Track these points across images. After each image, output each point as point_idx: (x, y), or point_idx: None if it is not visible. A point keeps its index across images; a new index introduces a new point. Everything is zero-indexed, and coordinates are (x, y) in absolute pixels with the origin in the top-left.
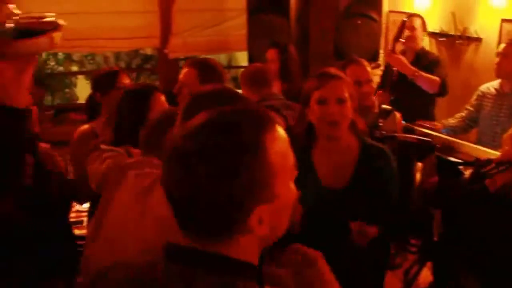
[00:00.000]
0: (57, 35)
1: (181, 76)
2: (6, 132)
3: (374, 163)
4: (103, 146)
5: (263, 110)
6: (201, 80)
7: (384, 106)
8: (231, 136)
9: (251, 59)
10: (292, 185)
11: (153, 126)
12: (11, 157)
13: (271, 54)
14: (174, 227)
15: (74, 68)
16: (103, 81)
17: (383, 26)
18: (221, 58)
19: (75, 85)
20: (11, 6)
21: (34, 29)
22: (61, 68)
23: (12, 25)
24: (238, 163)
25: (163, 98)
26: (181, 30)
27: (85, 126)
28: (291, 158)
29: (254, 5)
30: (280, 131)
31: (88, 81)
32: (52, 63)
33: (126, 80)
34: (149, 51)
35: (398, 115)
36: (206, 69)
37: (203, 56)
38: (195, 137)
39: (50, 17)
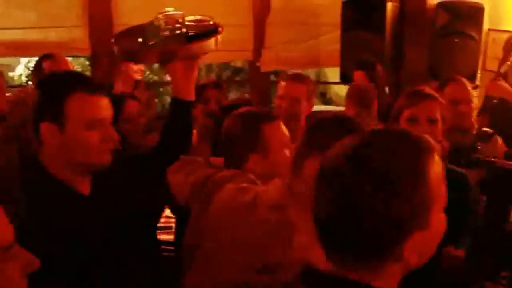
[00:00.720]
0: (218, 38)
1: (289, 90)
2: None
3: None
4: (181, 157)
5: (419, 135)
6: (308, 96)
7: (484, 129)
8: (394, 158)
9: (343, 76)
10: (443, 214)
11: None
12: None
13: (358, 76)
14: (278, 245)
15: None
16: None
17: (482, 45)
18: (309, 72)
19: (169, 94)
20: (171, 10)
21: (201, 32)
22: (155, 78)
23: (184, 30)
24: (400, 185)
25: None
26: (274, 44)
27: None
28: (444, 185)
29: (349, 21)
30: (437, 156)
31: None
32: (147, 72)
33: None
34: (239, 64)
35: (500, 139)
36: (311, 85)
37: (294, 70)
38: (354, 157)
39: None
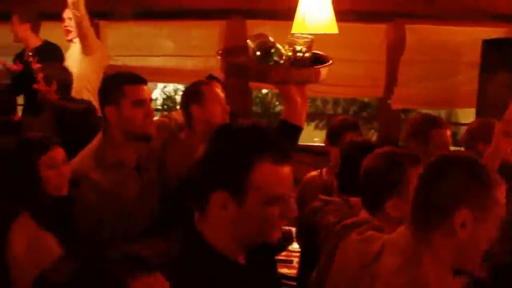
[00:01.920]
0: (324, 70)
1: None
2: None
3: None
4: (322, 197)
5: None
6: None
7: None
8: None
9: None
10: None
11: None
12: None
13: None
14: None
15: None
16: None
17: None
18: (439, 111)
19: None
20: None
21: (324, 59)
22: (280, 107)
23: (308, 54)
24: None
25: None
26: (407, 81)
27: (313, 173)
28: None
29: (488, 61)
30: None
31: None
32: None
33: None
34: (366, 98)
35: None
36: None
37: (425, 110)
38: None
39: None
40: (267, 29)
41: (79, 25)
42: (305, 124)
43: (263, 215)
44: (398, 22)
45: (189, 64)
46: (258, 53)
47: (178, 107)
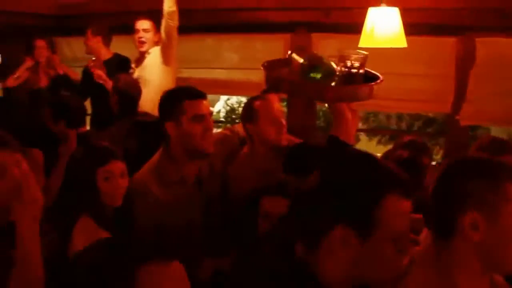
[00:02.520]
0: (376, 88)
1: None
2: None
3: None
4: None
5: None
6: None
7: None
8: None
9: None
10: None
11: None
12: None
13: None
14: None
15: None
16: None
17: None
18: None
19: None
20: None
21: (356, 78)
22: None
23: (362, 71)
24: None
25: None
26: (477, 97)
27: None
28: None
29: None
30: None
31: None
32: None
33: None
34: (430, 114)
35: None
36: None
37: (495, 127)
38: None
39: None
40: (333, 42)
41: (169, 35)
42: (368, 138)
43: (387, 252)
44: (468, 35)
45: (253, 76)
46: (304, 65)
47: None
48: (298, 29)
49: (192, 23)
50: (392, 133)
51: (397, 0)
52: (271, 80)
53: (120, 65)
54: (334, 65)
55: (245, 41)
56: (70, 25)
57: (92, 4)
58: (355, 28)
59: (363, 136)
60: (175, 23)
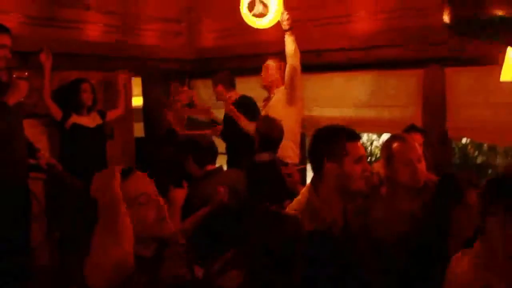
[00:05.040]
0: None
1: None
2: None
3: None
4: None
5: None
6: None
7: None
8: None
9: None
10: None
11: None
12: None
13: None
14: None
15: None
16: None
17: None
18: None
19: None
20: None
21: None
22: (481, 158)
23: None
24: None
25: None
26: None
27: None
28: None
29: None
30: None
31: None
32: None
33: None
34: None
35: None
36: None
37: None
38: None
39: None
40: (468, 76)
41: (293, 76)
42: None
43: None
44: None
45: (386, 114)
46: None
47: (370, 158)
48: (431, 64)
49: (321, 61)
50: None
51: None
52: None
53: (244, 106)
54: None
55: (376, 77)
56: (206, 67)
57: (225, 48)
58: (492, 59)
59: None
60: (296, 64)
